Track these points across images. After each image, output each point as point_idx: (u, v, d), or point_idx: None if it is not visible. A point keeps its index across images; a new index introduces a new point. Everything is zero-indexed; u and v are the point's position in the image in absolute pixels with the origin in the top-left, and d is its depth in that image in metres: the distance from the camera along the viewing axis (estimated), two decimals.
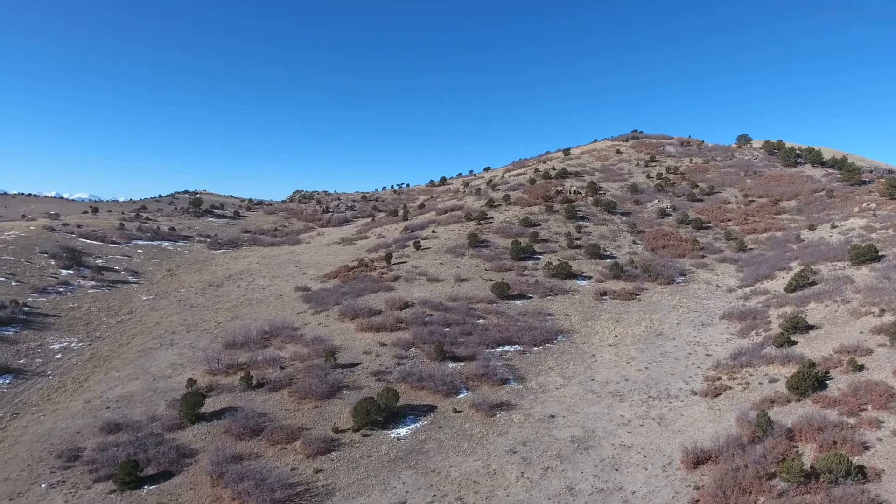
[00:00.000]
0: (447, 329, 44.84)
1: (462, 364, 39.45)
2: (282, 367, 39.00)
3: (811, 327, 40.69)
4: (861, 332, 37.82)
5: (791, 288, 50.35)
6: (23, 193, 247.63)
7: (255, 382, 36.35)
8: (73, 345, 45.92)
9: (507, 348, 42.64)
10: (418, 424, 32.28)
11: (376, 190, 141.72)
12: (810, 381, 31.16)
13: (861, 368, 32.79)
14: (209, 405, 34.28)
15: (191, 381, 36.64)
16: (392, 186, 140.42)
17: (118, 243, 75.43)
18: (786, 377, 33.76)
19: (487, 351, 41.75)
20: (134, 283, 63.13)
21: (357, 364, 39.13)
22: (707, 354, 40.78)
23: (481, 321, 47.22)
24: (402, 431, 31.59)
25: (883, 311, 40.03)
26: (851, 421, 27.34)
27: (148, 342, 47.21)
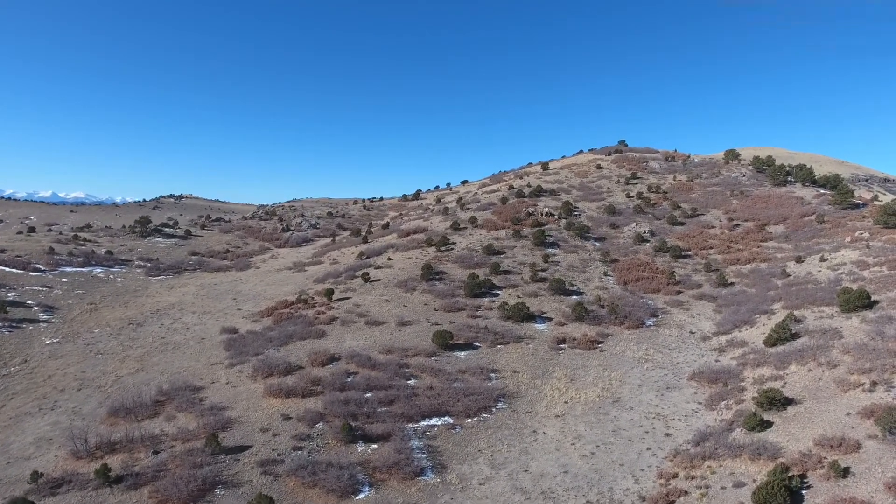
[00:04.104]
0: (368, 395, 38.48)
1: (374, 447, 33.08)
2: (156, 452, 32.57)
3: (789, 402, 34.43)
4: (848, 414, 31.59)
5: (771, 341, 44.14)
6: (2, 196, 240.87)
7: (113, 476, 29.90)
8: None
9: (433, 421, 36.25)
10: None
11: (349, 202, 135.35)
12: (782, 497, 24.91)
13: (846, 474, 26.55)
14: None
15: (35, 475, 30.20)
16: (364, 200, 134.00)
17: (42, 271, 68.89)
18: (754, 480, 27.61)
19: (409, 426, 35.38)
20: (44, 321, 56.58)
21: (247, 448, 32.71)
22: (667, 434, 34.46)
23: (412, 382, 40.85)
24: None
25: (874, 383, 33.80)
26: None
27: (26, 405, 40.76)
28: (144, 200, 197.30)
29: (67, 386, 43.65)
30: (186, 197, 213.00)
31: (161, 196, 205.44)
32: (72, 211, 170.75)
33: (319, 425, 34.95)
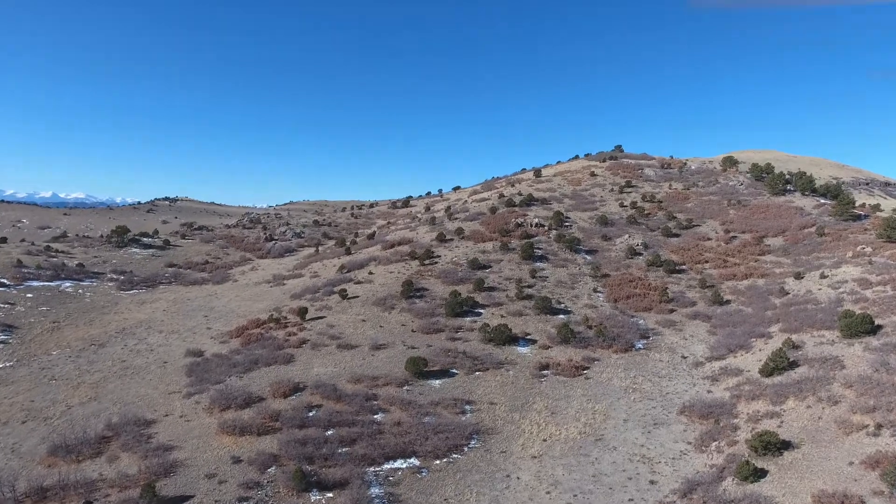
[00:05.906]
0: (329, 432, 35.47)
1: (329, 496, 30.08)
2: (88, 502, 29.58)
3: (786, 445, 31.47)
4: (851, 464, 28.65)
5: (767, 371, 41.13)
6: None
7: None
8: None
9: (398, 464, 33.24)
10: None
11: (344, 205, 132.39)
12: None
13: None
14: None
15: None
16: (353, 207, 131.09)
17: (6, 286, 65.88)
18: None
19: (371, 470, 32.37)
20: (1, 342, 53.56)
21: (187, 498, 29.69)
22: (651, 481, 31.43)
23: (378, 417, 37.83)
24: None
25: (879, 426, 30.86)
26: None
27: None
28: (139, 203, 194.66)
29: (12, 417, 40.57)
30: (182, 199, 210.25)
31: (156, 199, 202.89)
32: (65, 214, 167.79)
33: (272, 470, 31.94)
